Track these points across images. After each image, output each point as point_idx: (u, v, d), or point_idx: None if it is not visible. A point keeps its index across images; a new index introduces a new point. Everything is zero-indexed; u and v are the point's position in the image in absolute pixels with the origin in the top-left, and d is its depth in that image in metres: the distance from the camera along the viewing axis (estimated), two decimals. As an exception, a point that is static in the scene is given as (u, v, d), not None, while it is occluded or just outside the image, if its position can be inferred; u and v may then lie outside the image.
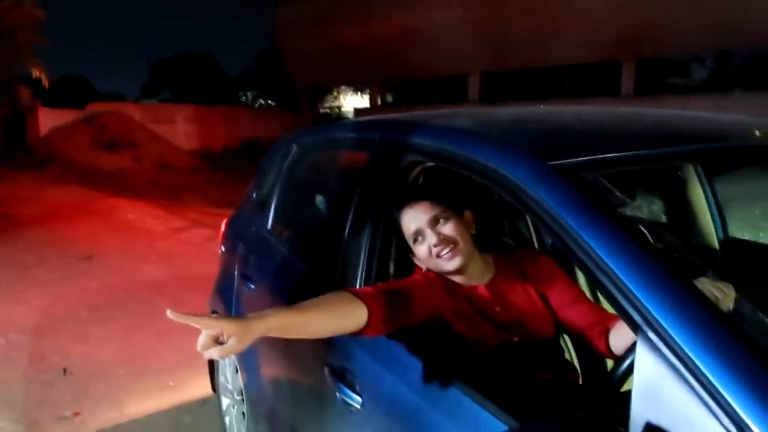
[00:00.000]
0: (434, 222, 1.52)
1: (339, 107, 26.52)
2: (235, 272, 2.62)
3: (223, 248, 2.96)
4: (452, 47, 15.90)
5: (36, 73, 12.24)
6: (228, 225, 2.99)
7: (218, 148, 20.52)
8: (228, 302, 2.64)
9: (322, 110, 25.54)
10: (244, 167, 15.93)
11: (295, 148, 2.53)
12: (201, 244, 7.63)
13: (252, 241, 2.59)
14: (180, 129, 20.57)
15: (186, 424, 3.19)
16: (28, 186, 12.99)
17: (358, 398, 1.51)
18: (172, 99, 30.32)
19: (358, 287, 1.60)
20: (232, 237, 2.83)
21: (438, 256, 1.50)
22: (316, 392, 1.82)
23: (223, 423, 2.93)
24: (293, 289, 2.09)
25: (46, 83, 12.61)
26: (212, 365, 3.05)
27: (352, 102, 26.98)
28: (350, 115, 23.72)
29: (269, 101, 32.09)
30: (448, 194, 1.58)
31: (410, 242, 1.56)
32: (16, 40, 9.50)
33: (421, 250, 1.54)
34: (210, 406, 3.30)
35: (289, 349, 2.05)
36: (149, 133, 18.02)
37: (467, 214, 1.60)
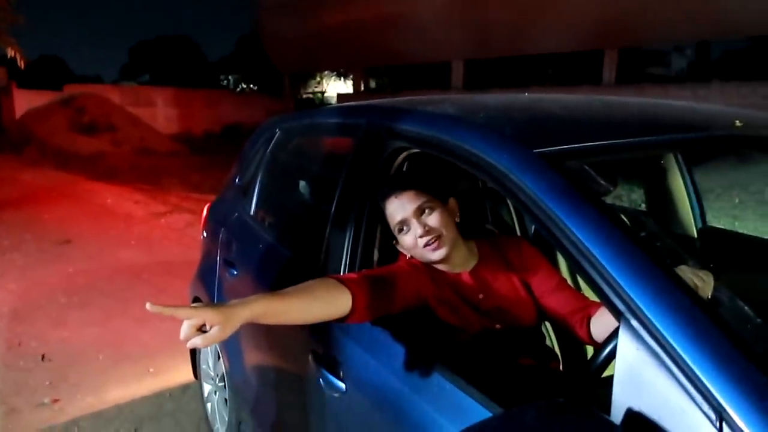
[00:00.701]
0: (420, 212, 1.52)
1: (322, 93, 26.32)
2: (218, 258, 2.60)
3: (204, 234, 2.94)
4: (436, 34, 15.82)
5: (11, 52, 11.92)
6: (210, 210, 2.96)
7: (199, 132, 20.28)
8: (210, 288, 2.63)
9: (305, 95, 25.33)
10: (226, 152, 15.80)
11: (278, 132, 2.50)
12: (181, 229, 7.56)
13: (235, 227, 2.56)
14: (160, 112, 20.28)
15: (167, 410, 3.17)
16: (3, 168, 12.73)
17: (342, 384, 1.51)
18: (152, 82, 29.83)
19: (342, 274, 1.60)
20: (214, 222, 2.80)
21: (424, 246, 1.50)
22: (299, 378, 1.82)
23: (205, 409, 2.93)
24: (277, 275, 2.08)
25: (21, 64, 12.28)
26: (194, 352, 3.03)
27: (335, 87, 26.77)
28: (333, 101, 23.57)
29: (251, 86, 31.72)
30: (434, 182, 1.57)
31: (395, 231, 1.55)
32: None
33: (406, 240, 1.53)
34: (191, 392, 3.29)
35: (272, 335, 2.05)
36: (128, 116, 17.71)
37: (452, 202, 1.60)
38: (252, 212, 2.49)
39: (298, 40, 19.58)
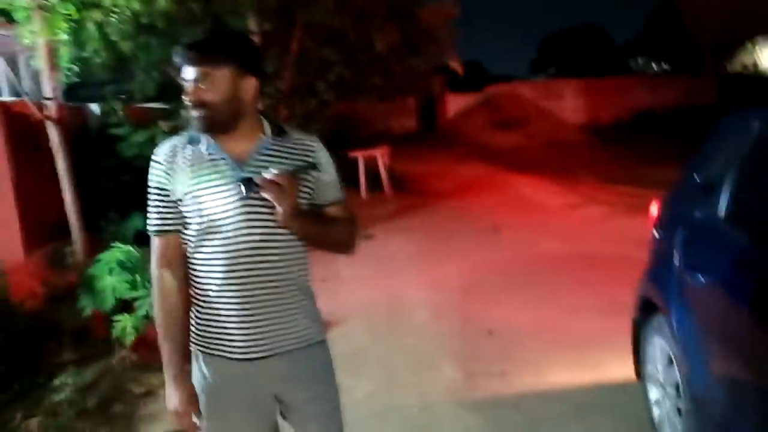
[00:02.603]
0: None
1: (755, 65, 22.36)
2: (675, 261, 2.48)
3: (656, 232, 2.84)
4: None
5: (453, 65, 14.01)
6: (662, 207, 2.84)
7: (608, 121, 19.84)
8: (666, 292, 2.52)
9: (731, 70, 21.95)
10: (638, 140, 15.09)
11: (757, 125, 2.22)
12: (598, 221, 7.55)
13: (698, 228, 2.39)
14: (568, 104, 20.62)
15: (605, 403, 3.20)
16: (439, 163, 14.99)
17: None
18: (559, 73, 30.54)
19: None
20: (670, 221, 2.68)
21: None
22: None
23: (650, 413, 2.84)
24: (755, 286, 1.85)
25: (460, 72, 14.40)
26: (637, 350, 2.98)
27: (771, 57, 22.35)
28: (769, 74, 19.81)
29: (663, 65, 29.33)
30: None
31: None
32: (436, 37, 11.05)
33: None
34: (632, 391, 3.24)
35: (748, 343, 1.83)
36: (539, 110, 18.66)
37: None
38: (722, 214, 2.28)
39: (725, 5, 17.12)
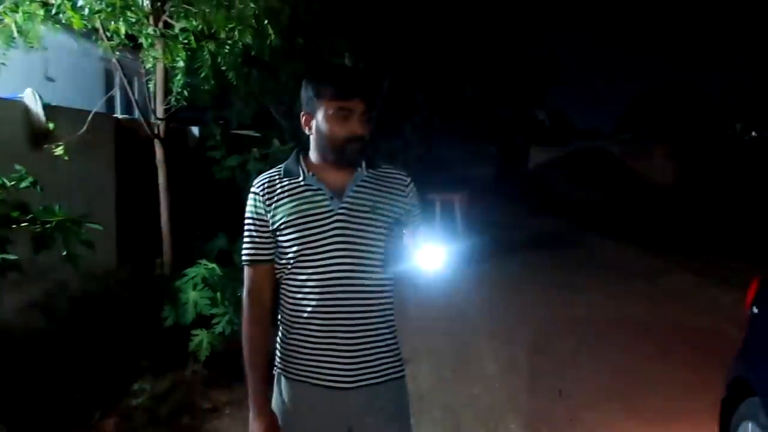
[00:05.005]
0: None
1: None
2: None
3: (755, 308, 2.66)
4: None
5: (542, 115, 14.07)
6: (763, 282, 2.67)
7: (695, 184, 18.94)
8: (765, 374, 2.34)
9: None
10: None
11: None
12: (685, 290, 7.14)
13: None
14: (657, 164, 19.91)
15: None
16: (513, 214, 14.79)
17: None
18: (649, 132, 29.64)
19: None
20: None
21: None
22: None
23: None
24: None
25: (546, 122, 14.46)
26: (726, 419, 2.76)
27: None
28: None
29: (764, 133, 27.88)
30: None
31: None
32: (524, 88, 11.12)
33: None
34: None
35: None
36: (624, 169, 18.12)
37: None
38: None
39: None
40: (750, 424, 2.45)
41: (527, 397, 4.03)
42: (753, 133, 28.63)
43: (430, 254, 1.64)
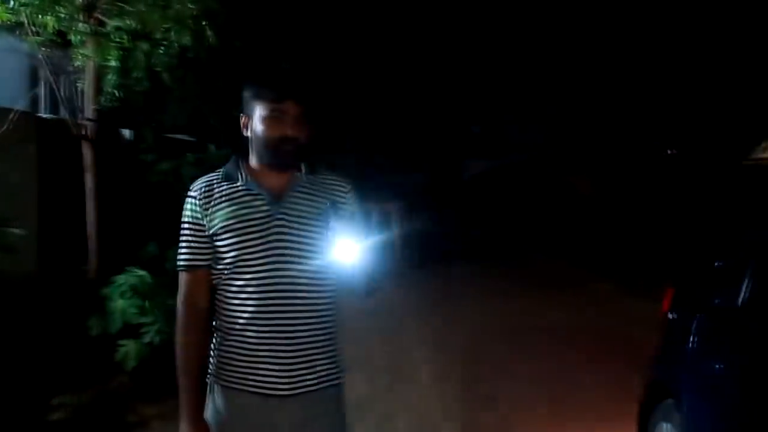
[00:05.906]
0: None
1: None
2: (690, 346, 2.46)
3: (671, 315, 2.83)
4: None
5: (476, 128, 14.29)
6: (678, 291, 2.85)
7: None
8: (679, 377, 2.49)
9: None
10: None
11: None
12: (608, 298, 7.48)
13: (716, 316, 2.39)
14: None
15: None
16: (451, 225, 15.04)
17: None
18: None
19: None
20: (686, 306, 2.68)
21: None
22: None
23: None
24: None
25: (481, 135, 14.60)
26: (645, 419, 2.91)
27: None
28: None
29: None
30: None
31: None
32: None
33: None
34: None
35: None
36: (558, 183, 18.73)
37: None
38: (741, 303, 2.28)
39: None
40: (665, 424, 2.59)
41: (460, 405, 4.10)
42: (669, 151, 30.18)
43: (348, 248, 1.63)
